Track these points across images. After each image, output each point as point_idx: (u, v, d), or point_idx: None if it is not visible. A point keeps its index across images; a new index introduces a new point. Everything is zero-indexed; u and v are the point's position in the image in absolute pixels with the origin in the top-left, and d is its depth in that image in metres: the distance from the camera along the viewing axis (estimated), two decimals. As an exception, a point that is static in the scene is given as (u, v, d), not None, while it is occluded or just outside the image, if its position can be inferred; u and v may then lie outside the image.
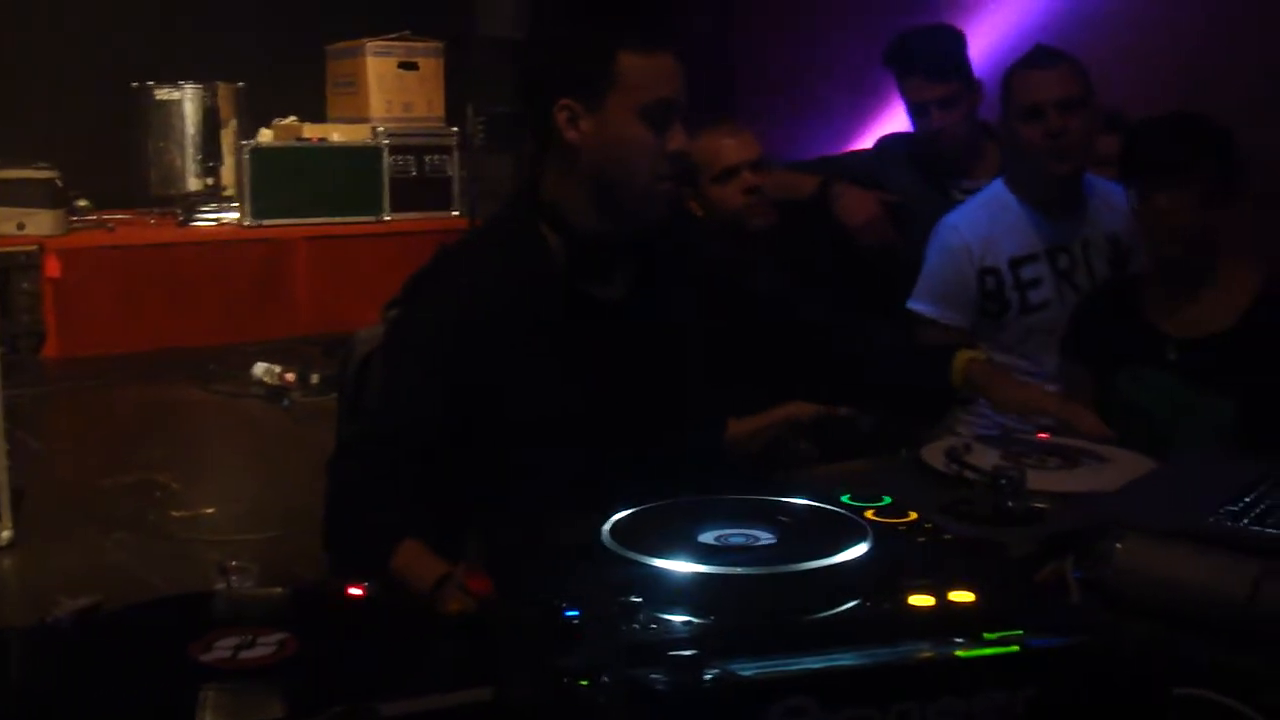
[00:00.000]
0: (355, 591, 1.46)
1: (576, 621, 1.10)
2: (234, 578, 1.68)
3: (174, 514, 3.99)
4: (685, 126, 2.08)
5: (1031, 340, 3.09)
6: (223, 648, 1.30)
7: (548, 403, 2.05)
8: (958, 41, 3.49)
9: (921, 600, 1.16)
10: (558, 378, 2.07)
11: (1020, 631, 1.09)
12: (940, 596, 1.16)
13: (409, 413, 2.03)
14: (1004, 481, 1.93)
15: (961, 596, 1.17)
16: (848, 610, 1.17)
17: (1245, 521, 1.67)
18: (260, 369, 5.44)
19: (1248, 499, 1.75)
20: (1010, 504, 1.91)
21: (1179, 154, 2.63)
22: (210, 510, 4.05)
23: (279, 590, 1.48)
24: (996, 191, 3.16)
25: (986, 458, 2.09)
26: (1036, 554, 1.69)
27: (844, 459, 2.74)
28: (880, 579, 1.21)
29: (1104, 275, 3.11)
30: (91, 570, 3.57)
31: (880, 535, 1.27)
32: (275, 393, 5.31)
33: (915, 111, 3.49)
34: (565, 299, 2.09)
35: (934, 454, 2.24)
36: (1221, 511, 1.70)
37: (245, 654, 1.29)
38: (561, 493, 2.00)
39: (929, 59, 3.42)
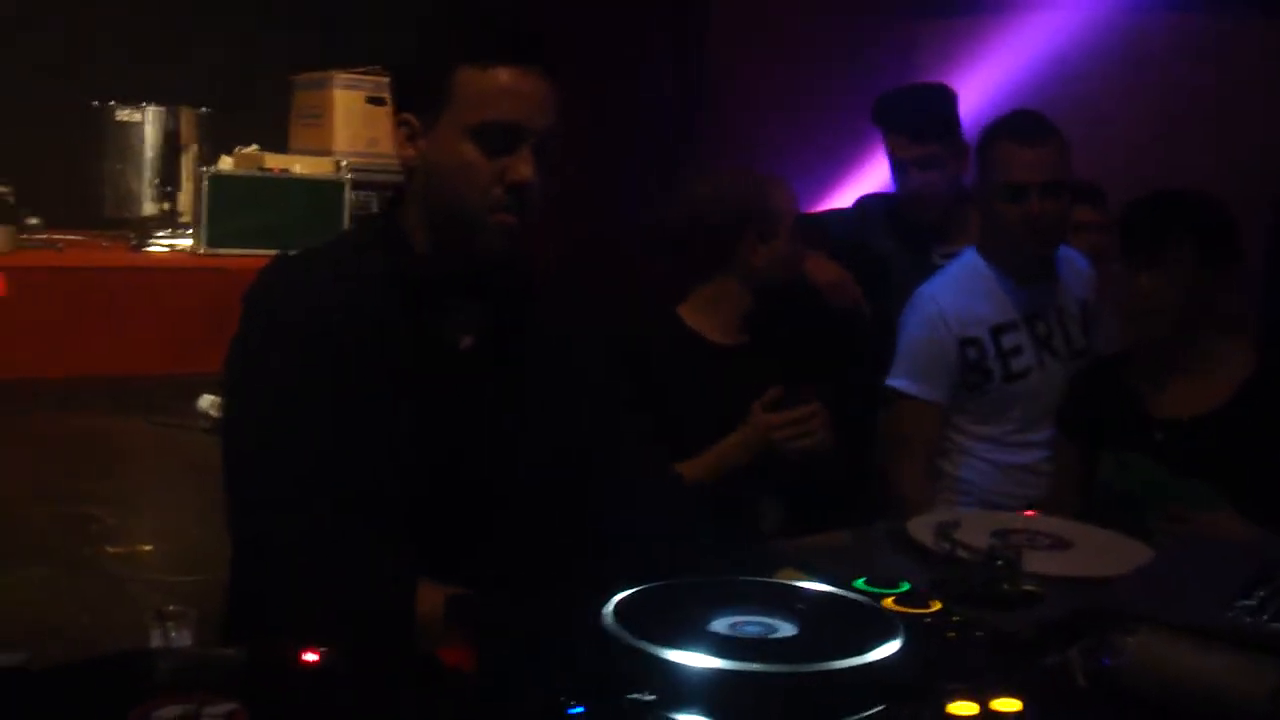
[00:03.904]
0: (310, 657, 1.33)
1: (581, 720, 0.96)
2: (170, 623, 1.55)
3: (109, 550, 3.82)
4: (542, 158, 1.88)
5: (1014, 409, 3.01)
6: (164, 717, 1.17)
7: (376, 448, 1.84)
8: (947, 102, 3.44)
9: (963, 709, 1.04)
10: (389, 420, 1.86)
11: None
12: (983, 704, 1.05)
13: (306, 431, 1.79)
14: (1000, 562, 1.83)
15: (1006, 706, 1.05)
16: (881, 715, 1.04)
17: (1265, 618, 1.57)
18: (206, 402, 5.27)
19: (1263, 593, 1.65)
20: (1006, 586, 1.81)
21: (1157, 234, 2.57)
22: (148, 548, 3.88)
23: (228, 652, 1.34)
24: (970, 260, 3.10)
25: (977, 535, 2.00)
26: (1035, 640, 1.59)
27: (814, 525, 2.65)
28: (913, 681, 1.08)
29: (1079, 341, 3.06)
30: (18, 605, 3.40)
31: (910, 630, 1.15)
32: (221, 427, 5.14)
33: (898, 170, 3.44)
34: (404, 335, 1.89)
35: (921, 529, 2.15)
36: (1238, 606, 1.61)
37: (189, 726, 1.16)
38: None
39: (914, 118, 3.37)
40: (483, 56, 1.86)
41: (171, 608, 1.57)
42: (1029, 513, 2.37)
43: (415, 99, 1.92)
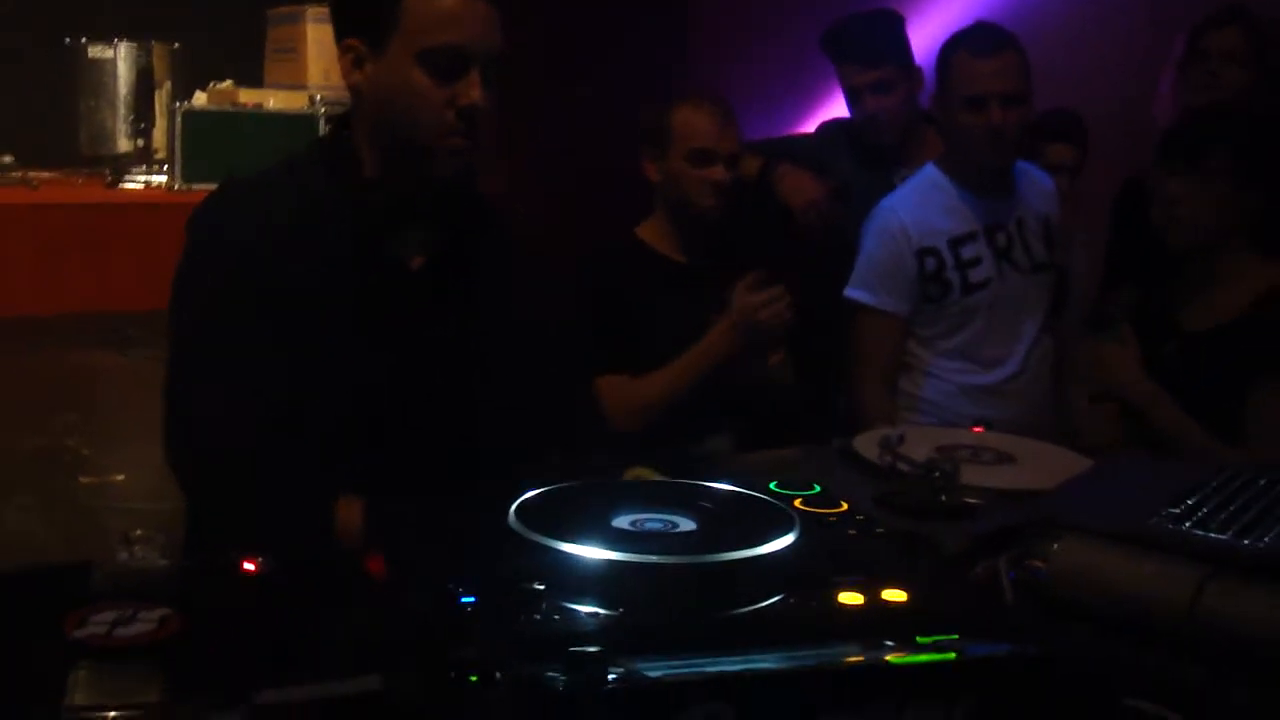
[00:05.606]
0: (249, 566, 1.36)
1: (472, 609, 0.99)
2: (136, 546, 1.57)
3: (82, 480, 3.85)
4: (489, 80, 1.89)
5: (975, 322, 3.03)
6: (98, 623, 1.20)
7: (324, 367, 1.86)
8: (894, 27, 3.44)
9: (851, 598, 1.07)
10: (338, 339, 1.87)
11: (956, 636, 1.01)
12: (871, 595, 1.08)
13: (246, 349, 1.81)
14: (938, 474, 1.87)
15: (894, 595, 1.09)
16: (770, 606, 1.07)
17: (1187, 525, 1.60)
18: (182, 336, 5.28)
19: (1189, 501, 1.69)
20: (943, 498, 1.85)
21: (1193, 141, 2.56)
22: (120, 477, 3.91)
23: (165, 562, 1.37)
24: (929, 173, 3.12)
25: (920, 449, 2.03)
26: (969, 551, 1.62)
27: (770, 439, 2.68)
28: (807, 573, 1.12)
29: (1041, 254, 3.08)
30: (-8, 537, 3.44)
31: (808, 526, 1.18)
32: (196, 361, 5.14)
33: (850, 97, 3.45)
34: (351, 255, 1.90)
35: (867, 444, 2.18)
36: (1162, 514, 1.64)
37: (121, 630, 1.19)
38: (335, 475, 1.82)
39: (863, 45, 3.38)
40: None
41: (139, 531, 1.59)
42: (977, 429, 2.40)
43: (361, 24, 1.93)
